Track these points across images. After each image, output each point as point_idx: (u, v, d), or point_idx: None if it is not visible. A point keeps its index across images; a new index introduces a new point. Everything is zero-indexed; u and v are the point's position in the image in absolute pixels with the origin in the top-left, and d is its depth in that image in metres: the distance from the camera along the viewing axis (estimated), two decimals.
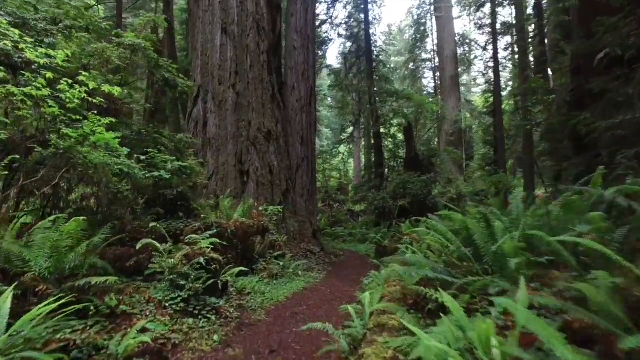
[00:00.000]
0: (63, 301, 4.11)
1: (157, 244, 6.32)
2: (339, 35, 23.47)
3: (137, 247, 6.04)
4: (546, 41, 23.26)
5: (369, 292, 6.36)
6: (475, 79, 48.74)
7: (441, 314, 3.57)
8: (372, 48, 22.30)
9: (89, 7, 11.51)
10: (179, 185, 7.88)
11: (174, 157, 7.57)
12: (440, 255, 7.16)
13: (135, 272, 6.23)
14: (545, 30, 23.06)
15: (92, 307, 4.39)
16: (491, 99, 27.69)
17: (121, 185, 6.35)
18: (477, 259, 5.24)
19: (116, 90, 5.72)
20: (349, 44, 24.13)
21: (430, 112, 22.47)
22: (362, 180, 30.04)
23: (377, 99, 21.11)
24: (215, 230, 7.80)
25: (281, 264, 9.32)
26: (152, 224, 6.74)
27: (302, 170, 12.91)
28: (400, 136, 22.46)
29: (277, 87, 12.93)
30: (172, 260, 5.76)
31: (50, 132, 5.09)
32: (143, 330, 4.31)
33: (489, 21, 27.25)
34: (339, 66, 25.79)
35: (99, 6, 20.27)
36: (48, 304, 3.74)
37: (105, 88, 5.65)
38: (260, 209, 9.44)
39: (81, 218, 4.63)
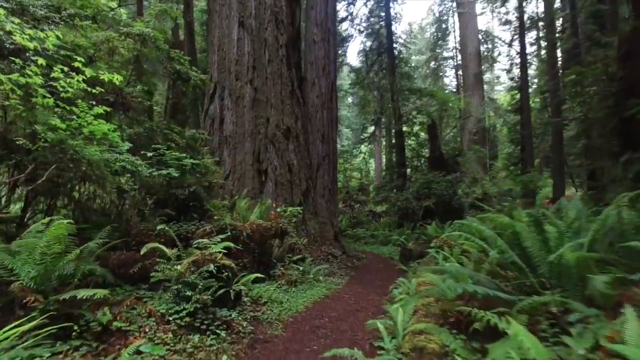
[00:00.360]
0: (43, 318, 3.47)
1: (165, 249, 5.68)
2: (360, 32, 22.66)
3: (142, 252, 5.40)
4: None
5: (400, 305, 5.57)
6: (498, 77, 47.31)
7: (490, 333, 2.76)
8: (394, 44, 21.44)
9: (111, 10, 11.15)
10: (191, 185, 7.23)
11: (185, 155, 6.90)
12: (478, 262, 6.31)
13: (140, 280, 5.59)
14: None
15: (79, 324, 3.73)
16: (517, 96, 26.47)
17: (127, 184, 5.71)
18: (527, 269, 4.39)
19: (116, 79, 5.10)
20: (369, 42, 23.31)
21: (455, 109, 21.41)
22: (382, 181, 29.15)
23: (399, 96, 20.22)
24: (229, 233, 7.12)
25: (301, 268, 8.61)
26: (160, 226, 6.11)
27: (322, 169, 12.18)
28: (423, 135, 21.52)
29: (297, 82, 12.24)
30: (179, 267, 5.08)
31: (39, 124, 4.46)
32: (138, 352, 3.63)
33: (516, 15, 26.07)
34: (359, 64, 24.95)
35: (121, 9, 19.88)
36: (20, 323, 3.10)
37: (105, 77, 5.02)
38: (279, 210, 8.73)
39: (66, 221, 3.98)
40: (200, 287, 4.85)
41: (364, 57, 22.50)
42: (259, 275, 6.55)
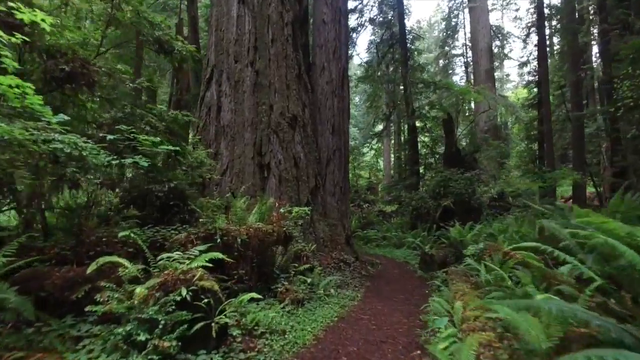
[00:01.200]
0: None
1: (127, 263, 4.05)
2: (371, 21, 20.88)
3: (89, 270, 3.78)
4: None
5: (449, 346, 3.89)
6: (508, 75, 45.46)
7: None
8: (407, 35, 19.69)
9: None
10: (172, 179, 5.58)
11: (161, 140, 5.24)
12: (539, 276, 4.61)
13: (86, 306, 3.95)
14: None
15: None
16: (534, 90, 24.66)
17: (73, 176, 4.07)
18: None
19: (41, 18, 3.41)
20: (380, 32, 21.53)
21: (466, 106, 19.65)
22: (391, 180, 27.40)
23: (412, 89, 18.50)
24: (218, 240, 5.48)
25: (308, 280, 6.95)
26: (122, 233, 4.47)
27: (333, 164, 10.51)
28: (437, 131, 19.77)
29: (304, 67, 10.57)
30: (137, 292, 3.45)
31: None
32: None
33: (533, 5, 24.21)
34: (368, 58, 23.16)
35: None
36: None
37: (24, 16, 3.34)
38: (282, 210, 7.06)
39: None
40: (162, 325, 3.19)
41: (375, 48, 20.82)
42: (254, 295, 4.90)
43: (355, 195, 24.14)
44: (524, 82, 28.91)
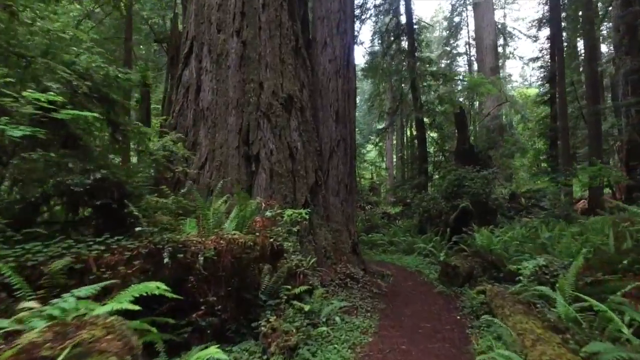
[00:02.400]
0: None
1: None
2: (375, 7, 18.80)
3: None
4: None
5: None
6: (510, 75, 43.40)
7: None
8: (414, 24, 17.67)
9: None
10: (99, 168, 3.53)
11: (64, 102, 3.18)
12: None
13: None
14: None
15: None
16: (546, 85, 22.63)
17: None
18: None
19: None
20: (384, 22, 19.43)
21: (486, 95, 17.61)
22: (396, 180, 25.32)
23: (420, 82, 16.48)
24: (166, 260, 3.44)
25: (306, 308, 4.91)
26: None
27: (336, 156, 8.46)
28: (447, 127, 17.72)
29: (303, 41, 8.54)
30: None
31: None
32: None
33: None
34: (371, 49, 21.08)
35: None
36: None
37: None
38: (269, 214, 5.00)
39: None
40: None
41: (380, 38, 18.77)
42: (216, 354, 2.86)
43: (358, 196, 22.10)
44: (535, 79, 26.94)
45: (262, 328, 4.07)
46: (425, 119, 17.10)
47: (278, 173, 6.96)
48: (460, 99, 18.22)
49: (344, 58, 9.00)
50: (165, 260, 3.39)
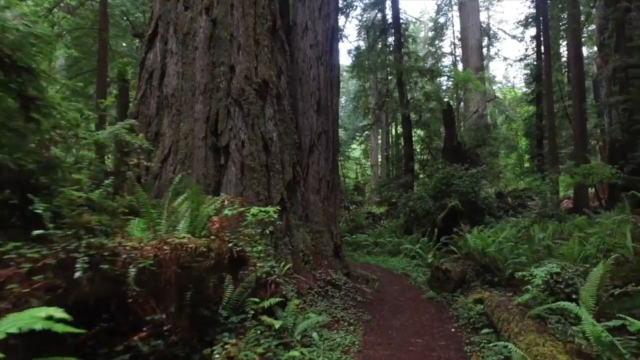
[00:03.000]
0: None
1: None
2: (361, 0, 17.97)
3: None
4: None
5: None
6: (494, 77, 43.10)
7: None
8: (400, 18, 16.91)
9: None
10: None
11: None
12: None
13: None
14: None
15: None
16: (532, 85, 22.19)
17: None
18: None
19: None
20: (370, 17, 18.61)
21: (474, 91, 16.96)
22: (379, 180, 24.53)
23: (406, 78, 15.73)
24: (78, 274, 2.52)
25: (277, 324, 4.06)
26: None
27: (317, 151, 7.60)
28: (435, 124, 17.00)
29: (282, 25, 7.65)
30: None
31: None
32: None
33: None
34: (357, 43, 20.19)
35: None
36: None
37: None
38: (227, 212, 4.09)
39: None
40: None
41: (365, 33, 17.96)
42: None
43: (341, 195, 21.28)
44: (518, 80, 26.60)
45: (216, 356, 3.18)
46: (412, 116, 16.38)
47: (250, 167, 6.07)
48: (446, 99, 17.51)
49: (327, 43, 8.15)
50: (77, 273, 2.49)
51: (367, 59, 16.83)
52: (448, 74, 15.55)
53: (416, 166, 16.81)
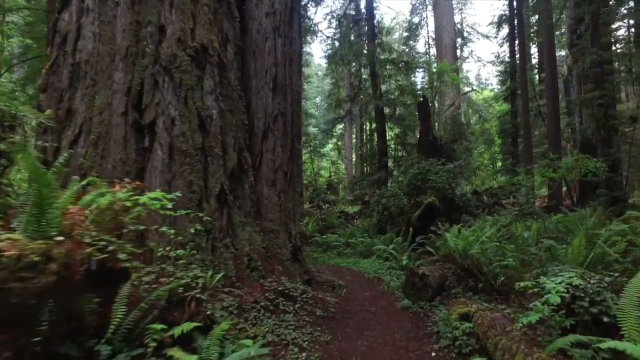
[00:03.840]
0: None
1: None
2: None
3: None
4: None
5: None
6: (467, 79, 42.78)
7: None
8: (374, 8, 15.82)
9: None
10: None
11: None
12: None
13: None
14: None
15: None
16: (508, 83, 21.56)
17: None
18: None
19: None
20: (343, 6, 17.41)
21: (451, 84, 16.01)
22: (353, 179, 23.37)
23: (380, 69, 14.63)
24: None
25: None
26: None
27: (273, 136, 6.32)
28: (410, 118, 15.95)
29: None
30: None
31: None
32: None
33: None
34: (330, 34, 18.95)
35: None
36: None
37: None
38: (89, 198, 2.75)
39: None
40: None
41: (337, 23, 16.78)
42: None
43: (313, 194, 20.04)
44: (491, 81, 26.05)
45: None
46: (386, 110, 15.30)
47: (181, 150, 4.74)
48: (420, 92, 16.52)
49: (286, 12, 6.87)
50: None
51: (339, 50, 15.62)
52: (423, 65, 14.55)
53: (390, 162, 15.73)
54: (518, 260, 6.09)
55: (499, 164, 26.38)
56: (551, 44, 18.18)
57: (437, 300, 6.09)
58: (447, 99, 16.98)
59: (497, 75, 22.96)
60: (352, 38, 15.53)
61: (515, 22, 19.89)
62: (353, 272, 9.72)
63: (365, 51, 14.76)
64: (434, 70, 14.21)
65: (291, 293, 5.11)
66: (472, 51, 33.44)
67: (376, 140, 15.45)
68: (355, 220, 16.71)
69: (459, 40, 33.09)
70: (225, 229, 4.88)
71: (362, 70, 15.64)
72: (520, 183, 10.23)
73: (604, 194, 13.75)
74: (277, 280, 5.14)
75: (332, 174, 26.07)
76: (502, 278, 5.58)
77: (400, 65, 15.07)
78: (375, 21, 15.65)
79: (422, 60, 20.55)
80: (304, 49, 29.60)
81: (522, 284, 3.42)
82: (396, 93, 15.63)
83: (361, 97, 14.94)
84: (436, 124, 14.54)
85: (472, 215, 12.26)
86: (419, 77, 34.67)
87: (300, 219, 8.66)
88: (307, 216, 17.07)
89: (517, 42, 19.69)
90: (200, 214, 4.48)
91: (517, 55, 20.08)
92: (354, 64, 15.58)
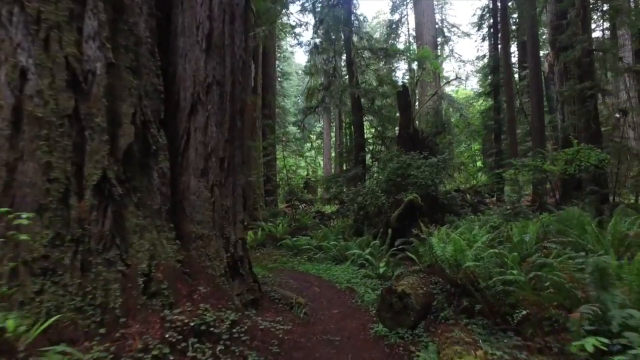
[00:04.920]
0: None
1: None
2: None
3: None
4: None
5: None
6: (447, 77, 41.58)
7: None
8: None
9: None
10: None
11: None
12: None
13: None
14: None
15: None
16: (490, 78, 20.32)
17: None
18: None
19: None
20: None
21: (433, 73, 14.54)
22: (328, 177, 21.63)
23: (356, 55, 13.07)
24: None
25: None
26: None
27: (205, 111, 4.63)
28: (391, 109, 14.39)
29: None
30: None
31: None
32: None
33: None
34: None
35: None
36: None
37: None
38: None
39: None
40: None
41: (312, 7, 15.10)
42: None
43: (289, 194, 18.32)
44: (474, 79, 24.85)
45: None
46: (363, 102, 13.72)
47: (35, 117, 3.02)
48: (400, 83, 15.03)
49: None
50: None
51: (313, 38, 13.99)
52: (403, 52, 13.12)
53: (368, 159, 14.16)
54: (523, 272, 4.55)
55: (479, 163, 25.20)
56: (534, 36, 16.99)
57: (422, 326, 4.50)
58: (430, 89, 15.56)
59: (478, 72, 21.61)
60: (330, 24, 13.89)
61: (499, 14, 18.73)
62: (322, 282, 8.12)
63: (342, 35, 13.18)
64: (414, 57, 12.74)
65: (212, 328, 3.42)
66: (452, 49, 32.30)
67: (353, 133, 13.86)
68: (331, 221, 15.11)
69: (440, 39, 31.93)
70: (108, 236, 3.17)
71: (337, 58, 14.02)
72: (511, 178, 8.77)
73: (593, 192, 12.44)
74: (192, 310, 3.45)
75: (310, 172, 24.40)
76: (509, 299, 4.02)
77: (379, 53, 13.56)
78: (352, 6, 14.08)
79: (402, 48, 18.92)
80: (283, 42, 27.91)
81: (577, 343, 1.85)
82: (375, 84, 14.07)
83: (336, 84, 13.37)
84: (417, 115, 13.13)
85: (456, 214, 10.79)
86: (400, 72, 33.42)
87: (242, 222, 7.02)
88: (281, 217, 15.39)
89: (500, 34, 18.51)
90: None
91: (500, 47, 18.94)
92: (330, 52, 13.94)
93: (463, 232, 7.63)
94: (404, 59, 17.81)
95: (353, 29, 13.96)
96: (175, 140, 4.51)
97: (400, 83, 14.34)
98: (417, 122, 12.83)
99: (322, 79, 14.63)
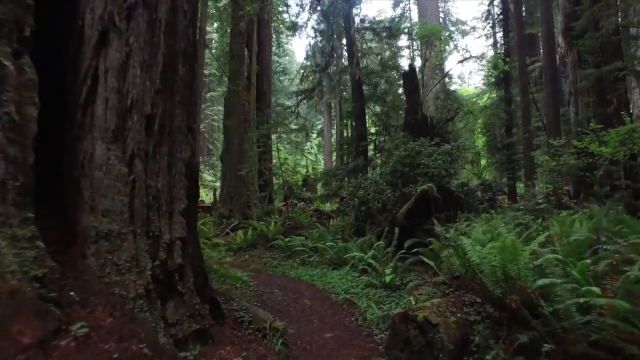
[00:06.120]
0: None
1: None
2: None
3: None
4: None
5: None
6: (450, 76, 39.71)
7: None
8: None
9: None
10: None
11: None
12: None
13: None
14: None
15: None
16: (501, 67, 18.49)
17: None
18: None
19: None
20: None
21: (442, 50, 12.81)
22: (327, 170, 19.78)
23: (356, 34, 11.36)
24: None
25: None
26: None
27: (123, 45, 2.93)
28: (396, 98, 12.65)
29: None
30: None
31: None
32: None
33: None
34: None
35: None
36: None
37: None
38: None
39: None
40: None
41: None
42: None
43: (287, 191, 16.62)
44: (478, 76, 23.06)
45: None
46: (365, 88, 11.95)
47: None
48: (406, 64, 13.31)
49: None
50: None
51: (309, 20, 12.31)
52: (408, 29, 11.40)
53: (371, 149, 12.42)
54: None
55: (483, 161, 23.44)
56: (549, 20, 15.25)
57: None
58: (439, 73, 13.84)
59: (484, 65, 19.75)
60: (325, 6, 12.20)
61: None
62: (316, 292, 6.47)
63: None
64: (421, 34, 10.99)
65: None
66: (457, 45, 30.30)
67: (353, 121, 12.13)
68: (331, 220, 13.37)
69: (443, 34, 30.22)
70: None
71: (335, 38, 12.23)
72: (547, 163, 7.04)
73: (627, 186, 10.60)
74: None
75: (310, 169, 22.68)
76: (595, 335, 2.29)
77: (382, 33, 11.85)
78: None
79: (406, 25, 17.16)
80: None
81: None
82: (378, 69, 12.34)
83: (334, 66, 11.62)
84: (425, 101, 11.44)
85: (473, 211, 9.04)
86: (405, 60, 31.48)
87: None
88: (277, 215, 13.69)
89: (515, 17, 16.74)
90: None
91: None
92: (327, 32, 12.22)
93: (487, 230, 5.92)
94: (408, 45, 16.07)
95: (353, 10, 12.26)
96: (76, 86, 2.81)
97: (404, 70, 12.64)
98: (426, 105, 11.08)
99: (320, 58, 12.91)
